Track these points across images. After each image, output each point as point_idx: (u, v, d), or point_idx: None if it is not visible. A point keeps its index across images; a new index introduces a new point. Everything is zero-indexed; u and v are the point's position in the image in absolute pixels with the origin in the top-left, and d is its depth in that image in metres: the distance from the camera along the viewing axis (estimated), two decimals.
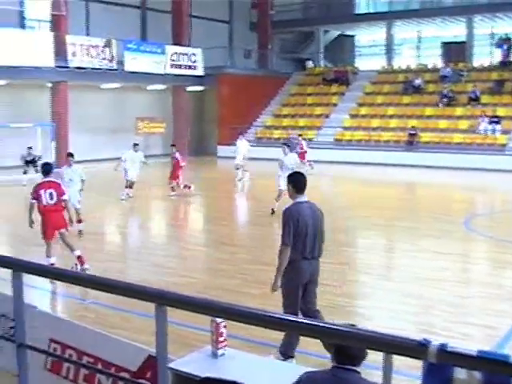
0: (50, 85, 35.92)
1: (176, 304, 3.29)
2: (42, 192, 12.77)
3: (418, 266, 13.70)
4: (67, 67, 35.24)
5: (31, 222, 12.97)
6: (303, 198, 8.14)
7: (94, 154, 36.81)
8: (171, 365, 5.68)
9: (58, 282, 10.67)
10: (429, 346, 2.61)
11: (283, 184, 18.74)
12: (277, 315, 2.99)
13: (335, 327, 2.87)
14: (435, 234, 17.19)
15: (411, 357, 2.66)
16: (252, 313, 3.06)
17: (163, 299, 3.28)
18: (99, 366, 6.96)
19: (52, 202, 12.80)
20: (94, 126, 39.23)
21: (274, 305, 8.22)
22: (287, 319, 2.96)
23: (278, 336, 8.02)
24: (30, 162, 28.28)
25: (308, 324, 3.04)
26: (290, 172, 9.03)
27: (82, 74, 35.99)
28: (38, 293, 11.44)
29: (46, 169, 13.31)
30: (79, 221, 16.73)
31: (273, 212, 19.52)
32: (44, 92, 36.07)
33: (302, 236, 7.94)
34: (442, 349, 2.60)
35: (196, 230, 19.97)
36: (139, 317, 9.33)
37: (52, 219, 12.79)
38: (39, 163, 25.61)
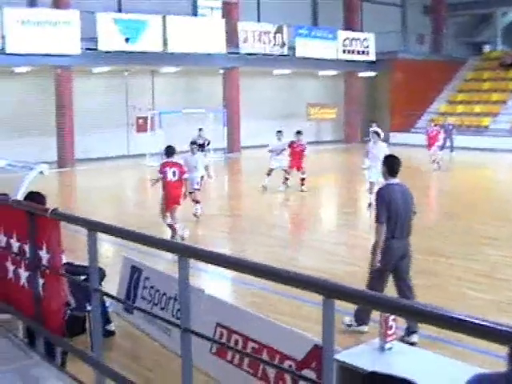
0: (221, 71, 36.62)
1: (344, 297, 3.15)
2: (167, 169, 14.48)
3: None
4: (239, 53, 35.83)
5: (154, 182, 15.16)
6: (395, 181, 8.55)
7: (265, 140, 37.08)
8: (337, 356, 5.56)
9: None
10: None
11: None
12: (441, 311, 2.78)
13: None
14: None
15: None
16: (419, 309, 2.88)
17: (331, 291, 3.15)
18: (264, 353, 6.97)
19: (174, 178, 14.47)
20: (266, 112, 39.67)
21: (438, 295, 7.95)
22: (454, 317, 2.74)
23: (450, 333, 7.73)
24: (200, 146, 28.44)
25: (481, 325, 2.80)
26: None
27: (254, 59, 36.49)
28: (208, 276, 11.65)
29: (170, 150, 14.88)
30: (197, 202, 17.58)
31: (369, 205, 18.16)
32: (216, 78, 36.80)
33: (393, 216, 8.35)
34: None
35: (365, 217, 19.68)
36: (307, 304, 9.27)
37: (173, 193, 14.48)
38: (207, 148, 26.18)
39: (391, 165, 8.58)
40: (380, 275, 8.51)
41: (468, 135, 38.46)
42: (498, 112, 41.30)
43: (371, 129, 21.58)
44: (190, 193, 16.71)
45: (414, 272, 9.38)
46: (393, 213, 8.30)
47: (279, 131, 23.61)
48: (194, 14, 37.95)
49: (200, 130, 27.58)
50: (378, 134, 19.29)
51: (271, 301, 10.05)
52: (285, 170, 22.77)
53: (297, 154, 22.66)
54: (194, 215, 17.48)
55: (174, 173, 14.44)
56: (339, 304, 3.08)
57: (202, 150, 27.10)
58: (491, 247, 14.09)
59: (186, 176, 14.80)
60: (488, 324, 2.63)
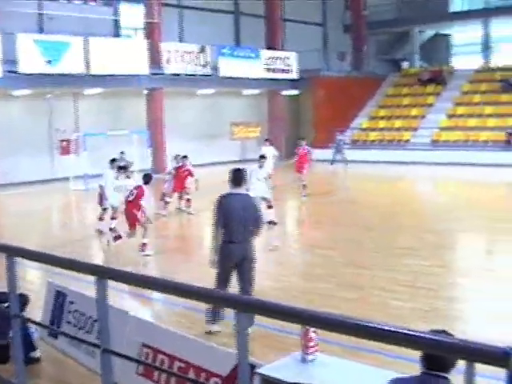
0: (145, 92, 36.57)
1: (259, 311, 3.26)
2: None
3: None
4: (162, 74, 35.82)
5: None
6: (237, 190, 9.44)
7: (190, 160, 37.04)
8: (260, 370, 5.68)
9: None
10: None
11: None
12: (362, 323, 2.92)
13: (417, 334, 2.79)
14: None
15: (493, 365, 2.55)
16: (337, 320, 3.01)
17: (245, 306, 3.25)
18: (190, 371, 7.03)
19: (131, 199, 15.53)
20: (190, 132, 39.66)
21: (361, 307, 8.13)
22: (374, 327, 2.88)
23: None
24: (121, 168, 28.47)
25: (393, 332, 2.95)
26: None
27: (177, 80, 36.54)
28: (132, 298, 11.63)
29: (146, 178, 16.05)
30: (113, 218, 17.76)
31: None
32: (140, 99, 36.73)
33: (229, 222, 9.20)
34: None
35: (290, 234, 19.92)
36: (231, 321, 9.34)
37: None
38: (130, 170, 26.08)
39: (234, 176, 9.46)
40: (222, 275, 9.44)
41: (390, 149, 39.43)
42: (417, 126, 42.23)
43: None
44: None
45: (336, 285, 9.61)
46: (229, 219, 9.17)
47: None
48: (117, 35, 37.83)
49: (122, 153, 27.69)
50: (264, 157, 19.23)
51: (195, 319, 10.09)
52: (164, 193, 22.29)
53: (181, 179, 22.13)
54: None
55: (133, 193, 15.64)
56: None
57: (125, 172, 27.04)
58: (412, 257, 14.44)
59: (141, 202, 15.39)
60: (396, 330, 2.78)
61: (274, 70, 42.07)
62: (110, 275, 4.03)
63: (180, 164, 22.38)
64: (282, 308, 3.30)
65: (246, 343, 3.29)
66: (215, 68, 38.43)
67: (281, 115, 43.77)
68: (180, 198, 22.40)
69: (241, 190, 9.50)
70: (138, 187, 15.71)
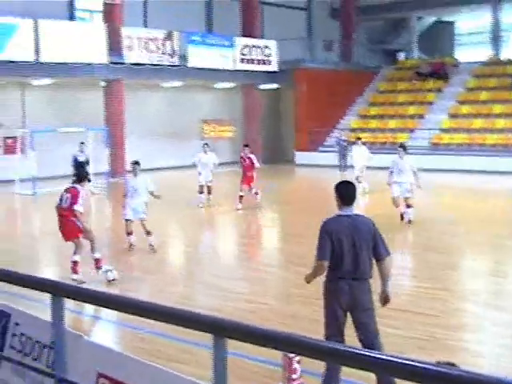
0: (103, 84, 36.46)
1: (236, 335, 3.25)
2: (62, 194, 14.62)
3: None
4: (123, 63, 35.74)
5: None
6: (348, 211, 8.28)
7: (153, 162, 36.82)
8: None
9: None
10: None
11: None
12: (350, 349, 2.92)
13: (419, 365, 2.79)
14: None
15: None
16: (324, 346, 3.00)
17: (222, 330, 3.25)
18: None
19: (65, 205, 14.36)
20: (154, 130, 39.65)
21: (353, 335, 8.11)
22: (365, 354, 2.88)
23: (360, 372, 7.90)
24: (81, 166, 28.36)
25: (390, 361, 2.95)
26: None
27: (140, 70, 36.47)
28: (85, 320, 11.57)
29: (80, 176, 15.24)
30: (148, 233, 17.44)
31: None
32: (97, 92, 36.65)
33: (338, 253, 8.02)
34: None
35: (267, 248, 19.93)
36: (201, 349, 9.32)
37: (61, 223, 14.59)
38: (88, 168, 26.19)
39: (345, 192, 8.40)
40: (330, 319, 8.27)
41: (382, 153, 39.37)
42: (415, 127, 42.43)
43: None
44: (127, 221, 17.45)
45: (321, 308, 9.60)
46: (339, 248, 8.05)
47: (206, 144, 25.85)
48: (71, 17, 37.70)
49: (82, 143, 27.69)
50: (404, 148, 21.33)
51: (161, 346, 10.06)
52: (208, 186, 25.08)
53: (248, 168, 24.80)
54: (150, 247, 17.36)
55: (66, 199, 14.37)
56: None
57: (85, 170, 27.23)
58: (408, 278, 14.47)
59: (76, 207, 14.22)
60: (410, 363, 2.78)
61: (250, 61, 42.09)
62: (68, 293, 4.00)
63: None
64: (266, 332, 3.29)
65: (223, 373, 3.29)
66: (183, 57, 38.39)
67: (257, 113, 43.79)
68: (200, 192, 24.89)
69: (352, 210, 8.39)
70: (71, 189, 14.59)
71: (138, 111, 38.53)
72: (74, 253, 14.43)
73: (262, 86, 43.85)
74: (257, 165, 24.90)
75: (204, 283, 14.94)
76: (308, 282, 8.46)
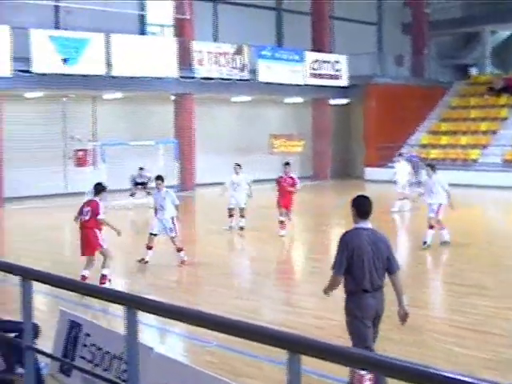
0: (173, 97, 36.76)
1: (311, 352, 3.24)
2: (83, 208, 15.13)
3: None
4: (193, 77, 36.01)
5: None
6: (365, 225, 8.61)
7: (221, 176, 36.65)
8: None
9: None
10: None
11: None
12: (416, 366, 2.89)
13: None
14: None
15: None
16: (393, 364, 2.98)
17: (296, 345, 3.24)
18: None
19: (86, 218, 14.90)
20: (223, 144, 39.75)
21: (420, 353, 8.04)
22: (448, 377, 2.85)
23: None
24: (140, 184, 29.53)
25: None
26: None
27: (210, 85, 36.69)
28: (156, 333, 11.63)
29: (98, 188, 15.52)
30: (179, 250, 17.54)
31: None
32: (167, 106, 36.93)
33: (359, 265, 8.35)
34: None
35: None
36: (270, 364, 9.32)
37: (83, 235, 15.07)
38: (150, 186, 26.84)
39: (362, 206, 8.78)
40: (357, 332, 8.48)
41: (453, 170, 38.94)
42: (487, 144, 41.89)
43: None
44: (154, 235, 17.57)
45: (392, 326, 9.53)
46: (359, 262, 8.35)
47: (238, 164, 24.25)
48: (142, 32, 38.14)
49: (141, 169, 28.22)
50: (432, 167, 20.97)
51: (230, 360, 10.05)
52: (241, 209, 23.52)
53: (284, 190, 22.98)
54: (181, 263, 17.50)
55: (86, 212, 14.90)
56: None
57: (145, 188, 28.10)
58: (479, 297, 14.25)
59: (100, 217, 14.88)
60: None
61: (320, 76, 42.10)
62: (141, 305, 4.03)
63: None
64: (342, 350, 3.29)
65: None
66: (253, 72, 38.56)
67: (327, 128, 43.70)
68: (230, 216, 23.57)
69: (368, 224, 8.67)
70: (90, 202, 15.32)
71: (207, 125, 38.65)
72: (103, 266, 15.01)
73: (332, 101, 43.76)
74: (298, 186, 23.40)
75: (271, 298, 14.95)
76: (326, 294, 8.92)
